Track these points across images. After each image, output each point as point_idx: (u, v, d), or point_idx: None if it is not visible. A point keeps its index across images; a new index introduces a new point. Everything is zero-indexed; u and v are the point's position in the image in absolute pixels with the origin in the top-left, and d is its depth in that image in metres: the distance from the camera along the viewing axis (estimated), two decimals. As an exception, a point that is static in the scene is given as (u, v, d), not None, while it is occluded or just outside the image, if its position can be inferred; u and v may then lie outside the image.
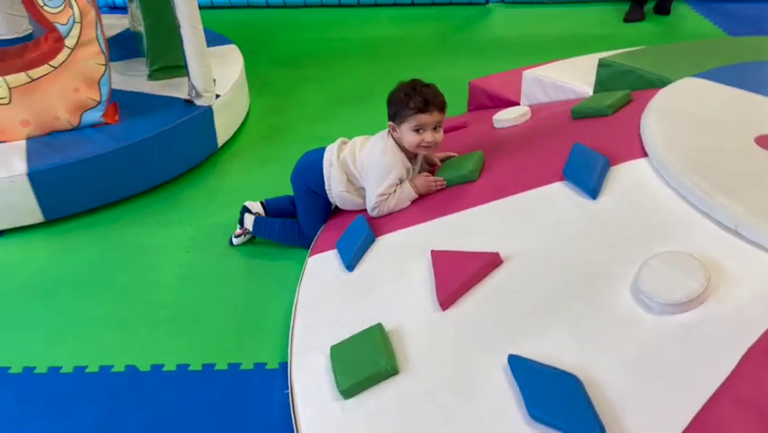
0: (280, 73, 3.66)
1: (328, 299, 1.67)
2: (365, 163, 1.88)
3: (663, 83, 2.05)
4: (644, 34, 4.01)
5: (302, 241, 2.03)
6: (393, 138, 1.87)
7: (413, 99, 1.78)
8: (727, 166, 1.46)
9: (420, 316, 1.47)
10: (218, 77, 2.79)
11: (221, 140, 2.73)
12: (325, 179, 1.93)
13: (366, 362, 1.38)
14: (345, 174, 1.91)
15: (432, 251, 1.58)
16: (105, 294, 1.95)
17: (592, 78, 2.37)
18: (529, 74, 2.52)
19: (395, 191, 1.85)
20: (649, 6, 4.24)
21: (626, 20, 4.13)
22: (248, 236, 2.16)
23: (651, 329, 1.21)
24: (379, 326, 1.45)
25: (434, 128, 1.82)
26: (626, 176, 1.58)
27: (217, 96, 2.67)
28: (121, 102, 2.57)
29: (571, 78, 2.41)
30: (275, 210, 2.22)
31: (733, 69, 2.05)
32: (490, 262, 1.49)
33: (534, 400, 1.17)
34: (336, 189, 1.92)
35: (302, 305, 1.70)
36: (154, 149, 2.41)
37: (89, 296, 1.95)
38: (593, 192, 1.55)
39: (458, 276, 1.48)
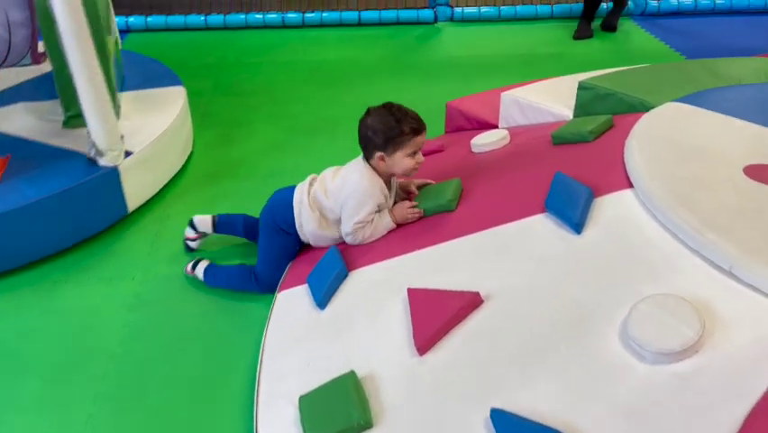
0: (225, 101, 3.40)
1: (298, 341, 1.57)
2: (341, 192, 1.78)
3: (645, 107, 2.00)
4: (595, 52, 4.02)
5: (258, 286, 1.91)
6: (370, 165, 1.79)
7: (405, 123, 1.71)
8: (717, 199, 1.40)
9: (396, 361, 1.37)
10: (144, 126, 2.44)
11: (134, 203, 2.31)
12: (296, 217, 1.84)
13: (338, 414, 1.28)
14: (317, 210, 1.82)
15: (408, 289, 1.49)
16: (33, 371, 1.69)
17: (572, 102, 2.31)
18: (507, 96, 2.46)
19: (372, 219, 1.76)
20: (596, 23, 4.28)
21: (576, 37, 4.17)
22: (204, 239, 2.13)
23: (643, 379, 1.13)
24: (352, 374, 1.35)
25: None
26: (611, 208, 1.51)
27: (128, 153, 2.26)
28: (23, 154, 2.26)
29: (550, 100, 2.35)
30: (223, 226, 2.13)
31: (713, 93, 2.01)
32: (470, 303, 1.40)
33: (520, 461, 1.08)
34: (308, 228, 1.83)
35: (269, 348, 1.59)
36: (38, 215, 2.04)
37: (14, 374, 1.69)
38: (577, 226, 1.47)
39: (436, 318, 1.39)
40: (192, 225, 2.11)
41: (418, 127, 1.73)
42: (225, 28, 4.49)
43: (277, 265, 1.91)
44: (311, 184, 1.87)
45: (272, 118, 3.17)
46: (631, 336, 1.17)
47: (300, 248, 1.94)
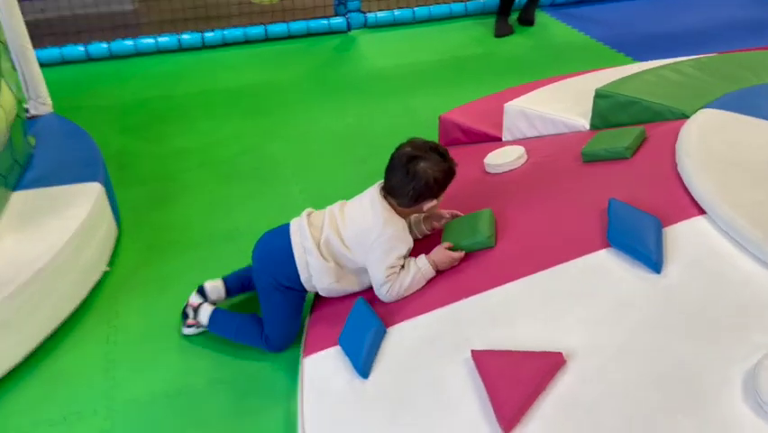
0: (140, 148, 2.90)
1: (345, 422, 1.36)
2: (361, 238, 1.58)
3: (674, 115, 1.89)
4: (520, 48, 3.97)
5: (268, 347, 1.71)
6: (386, 200, 1.60)
7: (450, 175, 1.60)
8: (810, 226, 1.28)
9: (475, 443, 1.19)
10: (21, 254, 1.77)
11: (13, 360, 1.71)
12: (300, 269, 1.62)
13: None
14: (332, 259, 1.60)
15: (473, 352, 1.31)
16: None
17: (583, 109, 2.18)
18: (512, 107, 2.30)
19: (404, 264, 1.57)
20: (513, 18, 4.26)
21: (498, 35, 4.13)
22: (200, 329, 1.83)
23: (790, 454, 0.99)
24: (430, 464, 1.16)
25: None
26: (687, 241, 1.37)
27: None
28: None
29: (561, 110, 2.21)
30: (237, 287, 1.89)
31: (742, 95, 1.91)
32: (552, 365, 1.23)
33: None
34: (323, 283, 1.62)
35: (311, 431, 1.37)
36: None
37: None
38: (656, 265, 1.33)
39: (517, 387, 1.21)
40: (202, 293, 1.85)
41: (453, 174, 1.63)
42: (111, 57, 3.82)
43: (287, 325, 1.70)
44: (310, 223, 1.64)
45: (204, 165, 2.76)
46: (764, 399, 1.03)
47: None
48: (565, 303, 1.37)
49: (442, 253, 1.59)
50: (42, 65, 2.69)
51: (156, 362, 1.77)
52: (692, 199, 1.46)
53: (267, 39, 4.10)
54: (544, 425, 1.16)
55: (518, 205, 1.76)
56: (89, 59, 3.81)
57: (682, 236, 1.38)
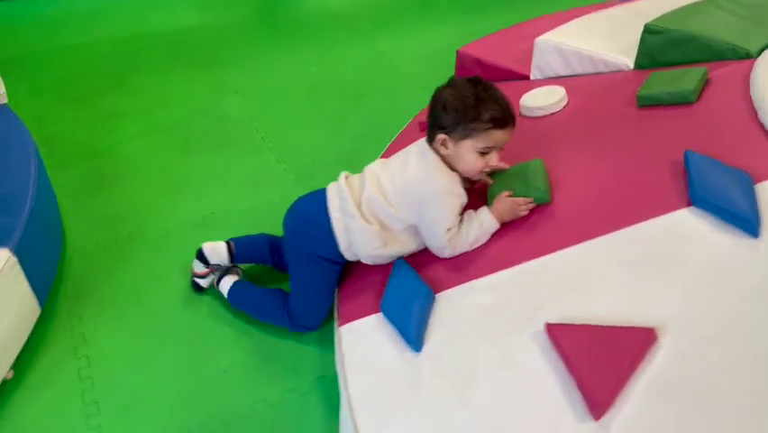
0: (63, 113, 2.45)
1: (400, 400, 1.22)
2: (410, 193, 1.41)
3: (737, 54, 1.74)
4: None
5: (291, 324, 1.54)
6: (437, 153, 1.42)
7: (487, 108, 1.35)
8: None
9: (562, 431, 1.07)
10: None
11: None
12: (339, 237, 1.44)
13: None
14: (377, 222, 1.42)
15: (548, 326, 1.18)
16: None
17: (623, 45, 2.01)
18: (545, 42, 2.11)
19: (461, 222, 1.41)
20: None
21: None
22: (214, 276, 1.68)
23: None
24: (514, 456, 1.04)
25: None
26: (785, 200, 1.24)
27: None
28: None
29: (600, 46, 2.04)
30: (243, 253, 1.69)
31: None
32: (643, 342, 1.11)
33: None
34: (368, 250, 1.44)
35: (361, 413, 1.23)
36: None
37: None
38: (754, 228, 1.20)
39: (606, 367, 1.09)
40: (201, 258, 1.65)
41: (503, 118, 1.37)
42: None
43: (319, 301, 1.53)
44: (349, 184, 1.47)
45: (148, 132, 2.37)
46: None
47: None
48: (648, 269, 1.24)
49: (506, 202, 1.43)
50: None
51: (145, 396, 1.45)
52: (783, 152, 1.33)
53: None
54: (640, 410, 1.05)
55: (570, 155, 1.61)
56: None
57: (778, 194, 1.26)
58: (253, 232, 1.75)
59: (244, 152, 2.29)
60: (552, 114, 1.84)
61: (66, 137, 2.35)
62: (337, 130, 2.38)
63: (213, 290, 1.70)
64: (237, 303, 1.61)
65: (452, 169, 1.43)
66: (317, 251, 1.46)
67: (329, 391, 1.42)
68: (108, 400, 1.44)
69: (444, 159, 1.42)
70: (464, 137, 1.37)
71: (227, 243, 1.67)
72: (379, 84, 2.60)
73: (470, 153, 1.38)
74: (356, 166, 1.56)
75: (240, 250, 1.66)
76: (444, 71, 2.59)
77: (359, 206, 1.43)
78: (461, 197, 1.42)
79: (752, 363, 1.05)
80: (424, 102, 2.11)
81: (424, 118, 2.10)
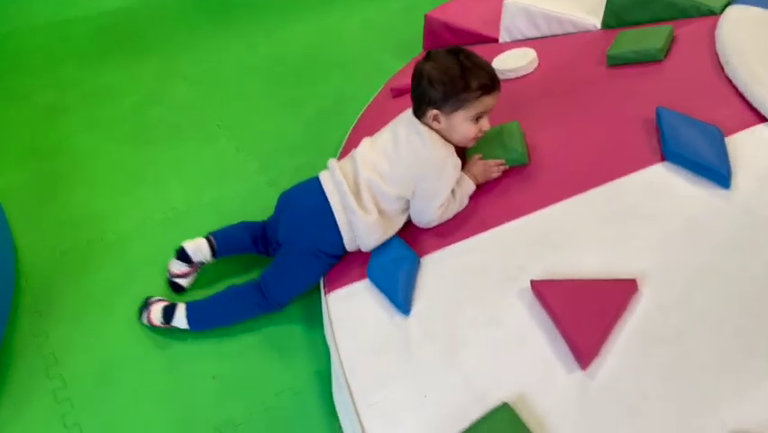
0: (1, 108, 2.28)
1: (392, 363, 1.26)
2: (411, 169, 1.40)
3: (701, 12, 1.78)
4: None
5: (267, 306, 1.51)
6: (430, 128, 1.43)
7: (474, 76, 1.36)
8: None
9: (552, 383, 1.12)
10: None
11: None
12: (343, 232, 1.43)
13: (510, 468, 1.02)
14: (375, 211, 1.41)
15: (533, 282, 1.22)
16: None
17: (590, 6, 2.04)
18: (513, 3, 2.13)
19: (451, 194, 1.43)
20: None
21: None
22: (195, 275, 1.66)
23: None
24: (507, 408, 1.08)
25: None
26: (755, 152, 1.30)
27: None
28: None
29: (566, 7, 2.06)
30: (226, 247, 1.64)
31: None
32: (625, 293, 1.16)
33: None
34: (374, 240, 1.43)
35: (354, 376, 1.26)
36: None
37: None
38: (725, 180, 1.25)
39: (590, 318, 1.14)
40: (183, 257, 1.60)
41: (491, 84, 1.39)
42: None
43: (305, 286, 1.52)
44: (344, 175, 1.44)
45: (93, 126, 2.23)
46: None
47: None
48: (626, 224, 1.28)
49: (479, 165, 1.46)
50: None
51: (131, 412, 1.39)
52: (749, 105, 1.39)
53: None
54: (625, 360, 1.10)
55: (544, 116, 1.64)
56: None
57: (746, 146, 1.31)
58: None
59: (201, 141, 2.18)
60: (523, 76, 1.86)
61: (1, 139, 2.19)
62: (296, 112, 2.28)
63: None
64: (202, 323, 1.52)
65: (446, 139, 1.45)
66: (320, 246, 1.45)
67: (326, 385, 1.40)
68: (91, 420, 1.38)
69: (438, 133, 1.43)
70: (456, 109, 1.38)
71: (207, 238, 1.62)
72: (333, 62, 2.50)
73: (464, 123, 1.39)
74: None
75: (221, 244, 1.61)
76: (400, 41, 2.59)
77: (356, 194, 1.42)
78: (458, 168, 1.43)
79: (729, 309, 1.11)
80: (383, 75, 2.06)
81: (395, 84, 2.12)
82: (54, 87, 2.47)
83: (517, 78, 1.86)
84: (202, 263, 1.63)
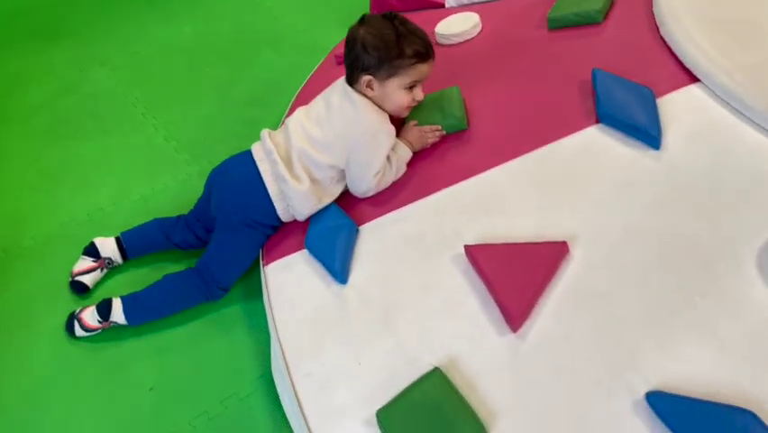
0: None
1: (327, 332, 1.26)
2: (341, 136, 1.38)
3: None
4: None
5: (207, 292, 1.47)
6: (363, 95, 1.41)
7: (409, 43, 1.35)
8: (811, 90, 1.25)
9: (484, 345, 1.13)
10: None
11: None
12: (275, 201, 1.41)
13: (440, 429, 1.03)
14: (307, 180, 1.38)
15: (467, 247, 1.23)
16: None
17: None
18: (458, -32, 2.10)
19: (387, 162, 1.42)
20: None
21: None
22: (102, 272, 1.59)
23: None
24: (438, 372, 1.10)
25: None
26: (685, 113, 1.32)
27: None
28: None
29: (512, -30, 2.04)
30: (135, 247, 1.61)
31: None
32: (556, 255, 1.18)
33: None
34: (308, 208, 1.41)
35: (289, 347, 1.26)
36: None
37: None
38: (655, 141, 1.27)
39: (521, 281, 1.15)
40: (92, 252, 1.56)
41: (426, 52, 1.38)
42: None
43: (243, 262, 1.49)
44: (276, 144, 1.42)
45: (14, 117, 2.10)
46: (789, 276, 1.03)
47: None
48: (558, 187, 1.30)
49: (415, 131, 1.45)
50: None
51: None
52: (682, 66, 1.40)
53: None
54: (555, 320, 1.12)
55: (485, 80, 1.64)
56: None
57: (677, 107, 1.33)
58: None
59: (125, 132, 2.03)
60: (466, 40, 1.85)
61: None
62: (227, 97, 2.14)
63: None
64: (141, 316, 1.47)
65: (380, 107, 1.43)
66: (253, 216, 1.43)
67: (273, 388, 1.33)
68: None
69: (371, 100, 1.41)
70: (390, 76, 1.36)
71: (116, 238, 1.59)
72: (264, 39, 2.36)
73: (397, 91, 1.38)
74: (256, 135, 1.45)
75: (130, 244, 1.58)
76: (342, 12, 2.46)
77: (288, 164, 1.39)
78: (392, 135, 1.41)
79: (654, 267, 1.13)
80: (321, 51, 1.94)
81: (340, 51, 2.08)
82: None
83: (461, 42, 1.85)
84: (111, 262, 1.59)
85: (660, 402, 0.98)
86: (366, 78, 1.37)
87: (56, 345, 1.47)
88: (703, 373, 1.00)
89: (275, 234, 1.49)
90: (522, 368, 1.09)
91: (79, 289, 1.54)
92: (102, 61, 2.37)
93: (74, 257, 1.61)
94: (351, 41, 1.39)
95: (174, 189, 1.81)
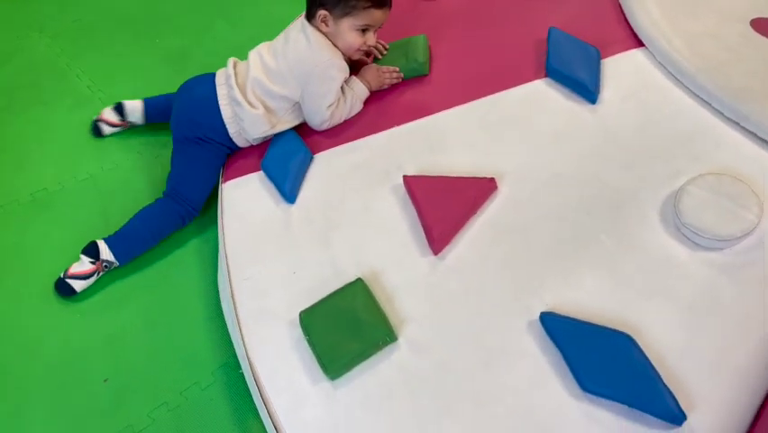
0: None
1: (270, 244, 1.37)
2: (296, 68, 1.48)
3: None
4: None
5: (181, 214, 1.54)
6: (318, 30, 1.50)
7: None
8: (743, 61, 1.34)
9: (406, 264, 1.24)
10: None
11: None
12: (228, 123, 1.51)
13: (354, 331, 1.15)
14: (261, 106, 1.49)
15: (405, 177, 1.33)
16: None
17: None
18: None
19: (342, 95, 1.51)
20: None
21: None
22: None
23: (700, 268, 1.11)
24: (360, 282, 1.21)
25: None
26: (625, 73, 1.41)
27: None
28: None
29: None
30: (155, 112, 1.79)
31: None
32: (484, 189, 1.28)
33: (586, 370, 1.03)
34: (260, 131, 1.51)
35: (234, 255, 1.38)
36: None
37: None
38: (592, 95, 1.37)
39: (447, 210, 1.26)
40: (119, 110, 1.74)
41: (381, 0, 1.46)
42: None
43: (206, 180, 1.57)
44: (236, 72, 1.52)
45: None
46: (684, 222, 1.13)
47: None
48: (501, 131, 1.40)
49: (373, 71, 1.55)
50: None
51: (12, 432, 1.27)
52: (632, 31, 1.49)
53: None
54: (474, 247, 1.23)
55: (453, 32, 1.72)
56: None
57: (619, 68, 1.42)
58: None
59: (70, 105, 1.90)
60: (441, -2, 1.93)
61: None
62: (179, 69, 1.99)
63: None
64: (129, 251, 1.50)
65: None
66: (207, 133, 1.53)
67: (235, 377, 1.32)
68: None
69: (326, 36, 1.50)
70: (344, 15, 1.44)
71: (142, 102, 1.79)
72: (217, 9, 2.25)
73: (350, 31, 1.47)
74: None
75: (151, 109, 1.76)
76: None
77: (244, 91, 1.49)
78: (345, 70, 1.51)
79: (574, 209, 1.24)
80: (276, 26, 1.66)
81: None
82: None
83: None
84: (133, 125, 1.78)
85: (550, 321, 1.09)
86: (322, 12, 1.45)
87: (2, 339, 1.40)
88: (596, 301, 1.11)
89: (234, 156, 1.59)
90: (436, 286, 1.20)
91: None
92: (40, 28, 2.19)
93: (17, 241, 1.55)
94: None
95: (125, 168, 1.73)
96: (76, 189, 1.67)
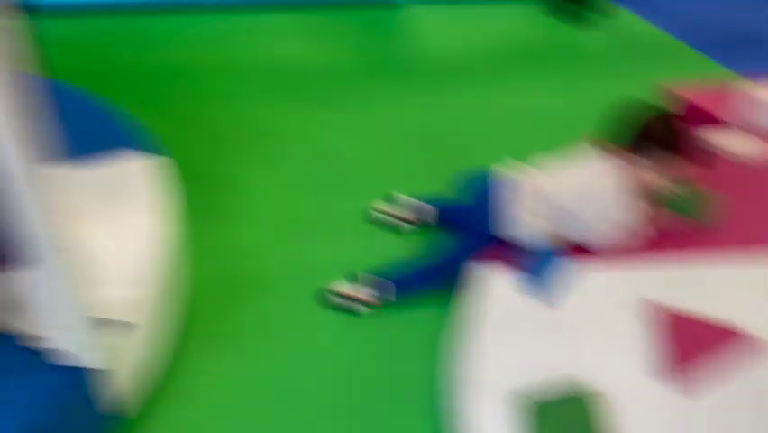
0: (181, 134, 2.31)
1: (517, 334, 1.50)
2: (584, 193, 1.67)
3: None
4: (585, 35, 3.30)
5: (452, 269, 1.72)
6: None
7: (679, 133, 1.66)
8: None
9: (638, 383, 1.31)
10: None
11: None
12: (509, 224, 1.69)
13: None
14: (542, 219, 1.68)
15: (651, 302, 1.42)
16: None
17: None
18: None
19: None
20: None
21: (558, 17, 3.50)
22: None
23: None
24: (593, 396, 1.30)
25: None
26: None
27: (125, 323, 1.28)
28: None
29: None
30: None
31: None
32: (726, 336, 1.32)
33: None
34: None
35: (483, 334, 1.53)
36: None
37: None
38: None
39: (692, 346, 1.32)
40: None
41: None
42: (117, 9, 3.22)
43: None
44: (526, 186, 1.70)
45: (267, 164, 2.23)
46: None
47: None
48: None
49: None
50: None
51: None
52: None
53: (297, 4, 3.40)
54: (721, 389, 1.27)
55: (751, 195, 1.82)
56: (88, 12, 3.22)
57: None
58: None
59: (360, 190, 2.12)
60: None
61: (181, 153, 2.07)
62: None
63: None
64: (404, 287, 1.72)
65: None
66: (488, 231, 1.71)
67: None
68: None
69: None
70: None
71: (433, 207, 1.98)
72: (504, 139, 2.39)
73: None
74: None
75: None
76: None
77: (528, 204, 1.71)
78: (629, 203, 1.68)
79: None
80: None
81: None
82: (231, 118, 2.50)
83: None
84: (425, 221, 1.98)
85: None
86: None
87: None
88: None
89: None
90: (664, 411, 1.26)
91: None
92: (350, 131, 2.47)
93: (279, 314, 1.68)
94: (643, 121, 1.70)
95: (401, 252, 1.89)
96: (350, 262, 1.80)
